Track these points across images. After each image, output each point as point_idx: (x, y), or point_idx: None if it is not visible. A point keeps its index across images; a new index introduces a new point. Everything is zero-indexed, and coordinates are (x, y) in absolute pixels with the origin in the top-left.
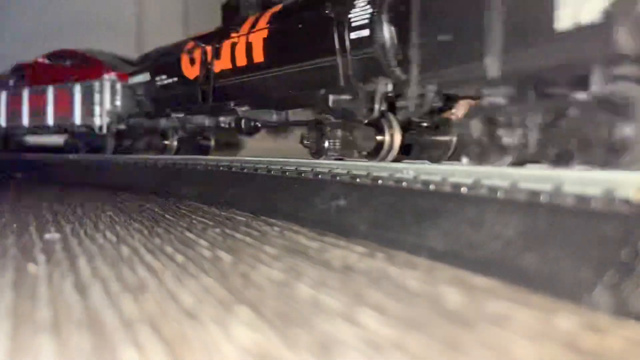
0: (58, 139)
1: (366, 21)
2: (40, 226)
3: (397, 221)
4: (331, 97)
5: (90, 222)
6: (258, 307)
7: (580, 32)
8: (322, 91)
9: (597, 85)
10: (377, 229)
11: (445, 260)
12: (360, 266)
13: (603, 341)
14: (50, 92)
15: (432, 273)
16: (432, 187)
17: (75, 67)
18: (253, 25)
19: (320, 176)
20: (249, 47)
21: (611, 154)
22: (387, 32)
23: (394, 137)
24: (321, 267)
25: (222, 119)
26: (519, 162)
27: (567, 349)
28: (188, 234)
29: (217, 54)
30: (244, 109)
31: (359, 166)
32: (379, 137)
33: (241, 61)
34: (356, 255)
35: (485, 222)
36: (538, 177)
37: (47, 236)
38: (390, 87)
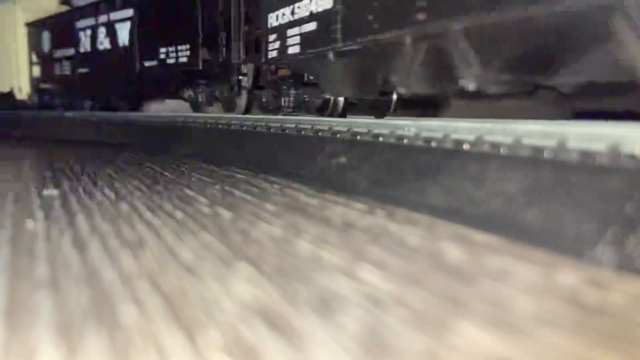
0: None
1: None
2: (38, 183)
3: (398, 178)
4: None
5: (88, 180)
6: (258, 263)
7: None
8: None
9: None
10: (378, 186)
11: (446, 217)
12: (360, 223)
13: (606, 296)
14: None
15: (433, 229)
16: (433, 144)
17: None
18: None
19: (320, 133)
20: None
21: None
22: None
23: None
24: (321, 224)
25: None
26: None
27: (569, 304)
28: (187, 191)
29: None
30: None
31: (360, 123)
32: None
33: None
34: (356, 212)
35: (487, 178)
36: (542, 133)
37: (46, 192)
38: None
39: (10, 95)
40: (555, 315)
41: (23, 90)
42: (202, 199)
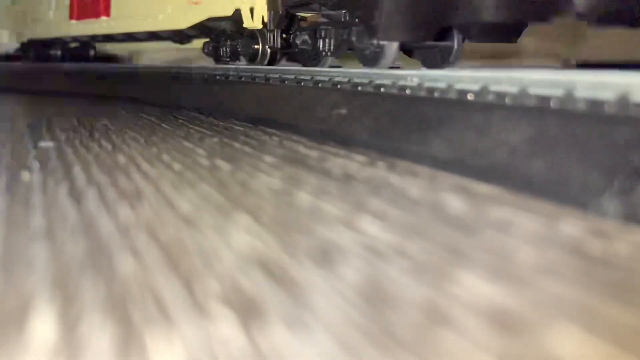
0: None
1: None
2: (34, 134)
3: (399, 130)
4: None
5: (85, 131)
6: (257, 214)
7: None
8: None
9: None
10: (379, 138)
11: (448, 168)
12: (361, 175)
13: (610, 247)
14: None
15: (434, 181)
16: (436, 94)
17: None
18: None
19: (320, 85)
20: None
21: None
22: None
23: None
24: (321, 175)
25: None
26: None
27: (573, 255)
28: (185, 143)
29: None
30: None
31: (361, 74)
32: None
33: None
34: (357, 164)
35: (491, 129)
36: (549, 82)
37: (41, 144)
38: None
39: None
40: (558, 265)
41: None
42: (201, 151)
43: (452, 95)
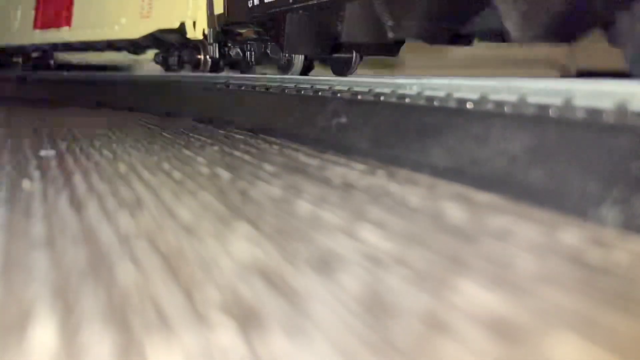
0: None
1: None
2: (35, 143)
3: (399, 138)
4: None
5: (85, 140)
6: (257, 222)
7: None
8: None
9: None
10: (379, 146)
11: (447, 177)
12: (360, 183)
13: (609, 255)
14: None
15: (434, 189)
16: (436, 102)
17: None
18: None
19: (320, 93)
20: None
21: None
22: None
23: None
24: (321, 184)
25: None
26: None
27: (572, 263)
28: (186, 151)
29: None
30: None
31: (361, 82)
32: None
33: None
34: (357, 172)
35: (491, 138)
36: (547, 90)
37: (42, 153)
38: None
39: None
40: (557, 274)
41: (197, 26)
42: (201, 159)
43: (452, 104)
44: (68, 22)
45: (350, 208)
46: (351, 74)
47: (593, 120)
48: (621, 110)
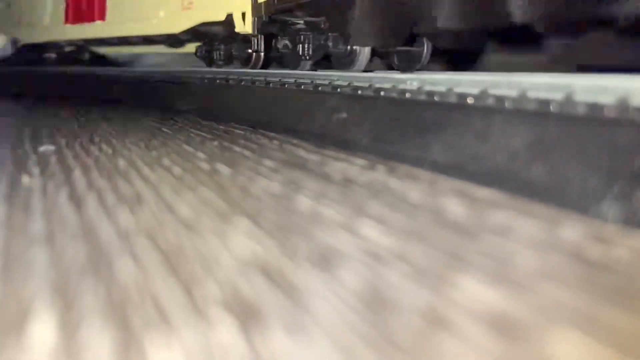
0: None
1: None
2: (34, 138)
3: (399, 134)
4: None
5: (85, 135)
6: (257, 218)
7: None
8: None
9: None
10: (379, 141)
11: (448, 172)
12: (361, 179)
13: (610, 251)
14: None
15: (434, 185)
16: (436, 98)
17: None
18: None
19: (320, 88)
20: None
21: None
22: None
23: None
24: (321, 179)
25: None
26: None
27: (573, 259)
28: (186, 146)
29: None
30: None
31: (361, 77)
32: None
33: None
34: (357, 168)
35: (491, 133)
36: (548, 85)
37: (42, 148)
38: None
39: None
40: (558, 270)
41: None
42: (201, 155)
43: (452, 99)
44: (102, 15)
45: (350, 204)
46: (420, 69)
47: (594, 115)
48: (622, 105)
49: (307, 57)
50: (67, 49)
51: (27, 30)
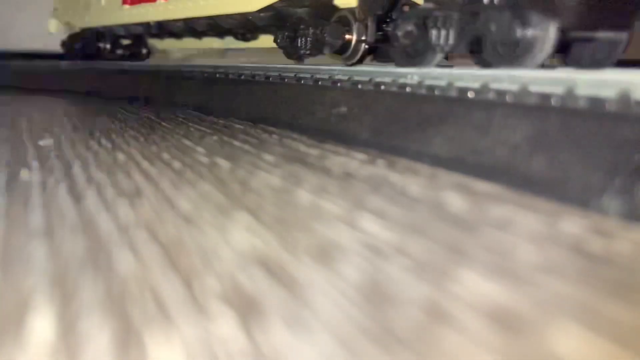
0: None
1: None
2: (33, 132)
3: (399, 128)
4: None
5: (84, 130)
6: (257, 212)
7: None
8: None
9: None
10: (379, 136)
11: (448, 166)
12: (360, 173)
13: (611, 245)
14: None
15: (435, 179)
16: (437, 92)
17: None
18: None
19: (320, 82)
20: None
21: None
22: None
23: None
24: (321, 173)
25: None
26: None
27: (574, 253)
28: (185, 141)
29: None
30: None
31: (361, 72)
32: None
33: None
34: (357, 162)
35: (492, 127)
36: (549, 79)
37: (41, 142)
38: None
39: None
40: (559, 263)
41: None
42: (201, 149)
43: (453, 93)
44: None
45: (350, 197)
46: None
47: (595, 109)
48: (624, 99)
49: (446, 48)
50: (125, 41)
51: (80, 14)
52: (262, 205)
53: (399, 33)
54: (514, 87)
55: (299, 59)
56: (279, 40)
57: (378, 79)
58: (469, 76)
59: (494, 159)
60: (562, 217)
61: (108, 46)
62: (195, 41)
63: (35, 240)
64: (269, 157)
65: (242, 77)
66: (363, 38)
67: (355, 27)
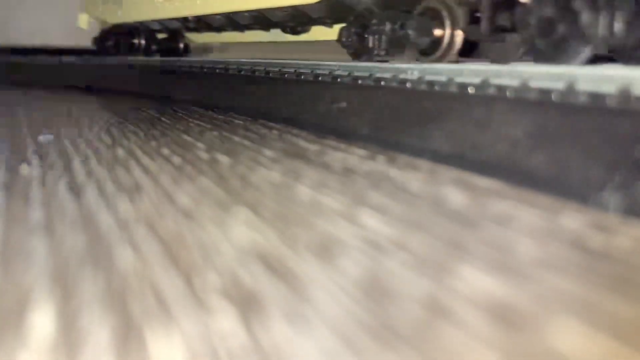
0: None
1: None
2: (33, 128)
3: (400, 123)
4: None
5: (84, 125)
6: (257, 207)
7: None
8: None
9: None
10: (379, 131)
11: (448, 162)
12: (361, 168)
13: (611, 240)
14: None
15: (435, 175)
16: (437, 87)
17: None
18: None
19: (320, 78)
20: None
21: None
22: None
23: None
24: (321, 169)
25: None
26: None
27: (574, 248)
28: (185, 136)
29: None
30: None
31: (361, 67)
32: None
33: None
34: (357, 157)
35: (492, 123)
36: (550, 75)
37: (41, 137)
38: None
39: None
40: (559, 259)
41: None
42: (200, 144)
43: (453, 89)
44: None
45: (350, 193)
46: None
47: (596, 104)
48: (624, 94)
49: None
50: (160, 36)
51: (112, 9)
52: (262, 201)
53: (533, 21)
54: (514, 83)
55: (370, 60)
56: (343, 39)
57: (378, 75)
58: (469, 72)
59: (494, 154)
60: (562, 212)
61: (143, 42)
62: (237, 35)
63: (35, 235)
64: (269, 153)
65: (242, 72)
66: (461, 32)
67: (448, 19)
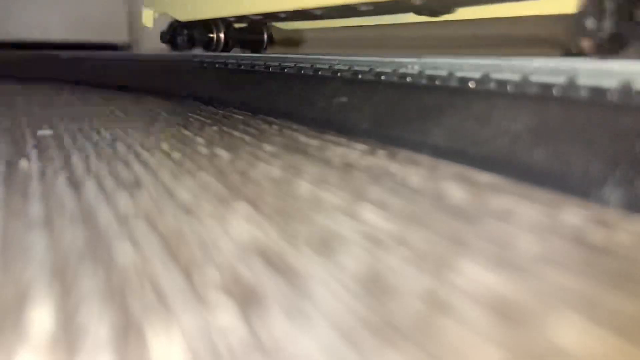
0: None
1: None
2: (32, 122)
3: (400, 118)
4: None
5: (84, 120)
6: (257, 203)
7: None
8: None
9: None
10: (380, 126)
11: (449, 157)
12: (361, 163)
13: (612, 236)
14: None
15: (435, 170)
16: (437, 82)
17: None
18: None
19: (320, 72)
20: None
21: None
22: None
23: None
24: (321, 164)
25: None
26: None
27: (574, 244)
28: (185, 131)
29: None
30: None
31: (361, 62)
32: None
33: None
34: (357, 152)
35: (493, 117)
36: (551, 69)
37: (40, 132)
38: None
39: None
40: (560, 254)
41: None
42: (200, 140)
43: (453, 83)
44: None
45: (350, 188)
46: None
47: (597, 99)
48: (626, 89)
49: None
50: (237, 25)
51: (180, 4)
52: (262, 196)
53: None
54: (515, 77)
55: (580, 55)
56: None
57: (378, 69)
58: (469, 66)
59: (495, 149)
60: (562, 207)
61: (222, 35)
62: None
63: (34, 230)
64: (269, 148)
65: (242, 67)
66: None
67: None
